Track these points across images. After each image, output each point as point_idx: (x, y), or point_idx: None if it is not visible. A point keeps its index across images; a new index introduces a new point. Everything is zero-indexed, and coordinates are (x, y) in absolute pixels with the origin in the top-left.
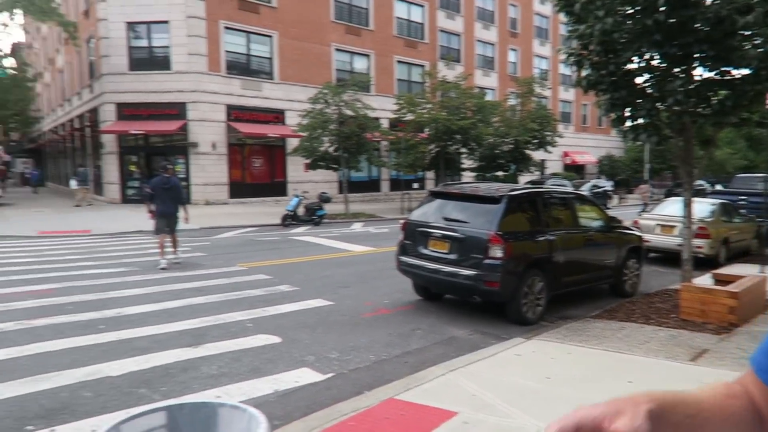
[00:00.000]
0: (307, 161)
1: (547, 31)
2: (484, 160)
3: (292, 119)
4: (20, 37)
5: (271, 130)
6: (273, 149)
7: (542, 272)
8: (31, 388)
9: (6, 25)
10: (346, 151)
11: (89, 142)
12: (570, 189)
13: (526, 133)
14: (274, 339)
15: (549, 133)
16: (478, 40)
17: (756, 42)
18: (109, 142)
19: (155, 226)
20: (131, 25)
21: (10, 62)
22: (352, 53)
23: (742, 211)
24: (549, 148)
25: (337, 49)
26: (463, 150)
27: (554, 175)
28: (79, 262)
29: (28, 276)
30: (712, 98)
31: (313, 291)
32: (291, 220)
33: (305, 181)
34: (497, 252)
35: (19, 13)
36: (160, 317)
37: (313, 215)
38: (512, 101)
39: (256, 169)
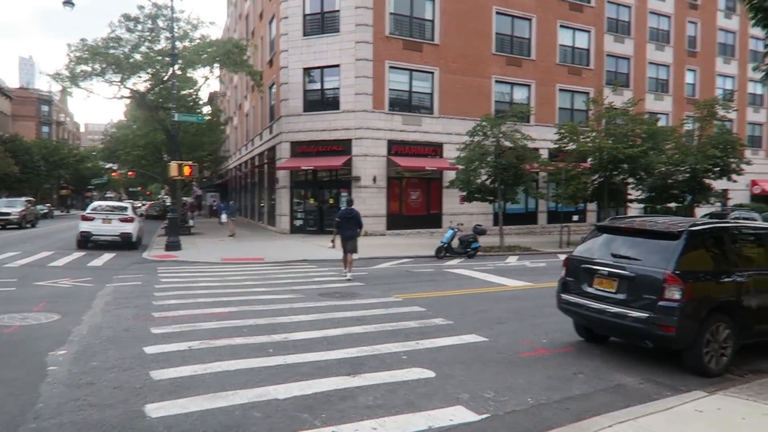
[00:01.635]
0: (463, 193)
1: (733, 48)
2: (655, 191)
3: (450, 152)
4: (215, 86)
5: (429, 163)
6: (430, 182)
7: (729, 318)
8: (211, 404)
9: (207, 78)
10: (503, 183)
11: (266, 178)
12: (761, 222)
13: (706, 160)
14: (429, 373)
15: (734, 160)
16: (651, 62)
17: None
18: (282, 177)
19: (343, 247)
20: (307, 71)
21: (206, 109)
22: (513, 84)
23: None
24: (734, 176)
25: (497, 81)
26: (630, 180)
27: (740, 206)
28: (254, 287)
29: (212, 299)
30: None
31: (467, 326)
32: (445, 252)
33: (460, 213)
34: (675, 293)
35: (217, 66)
36: (321, 344)
37: (467, 248)
38: (689, 126)
39: (412, 201)
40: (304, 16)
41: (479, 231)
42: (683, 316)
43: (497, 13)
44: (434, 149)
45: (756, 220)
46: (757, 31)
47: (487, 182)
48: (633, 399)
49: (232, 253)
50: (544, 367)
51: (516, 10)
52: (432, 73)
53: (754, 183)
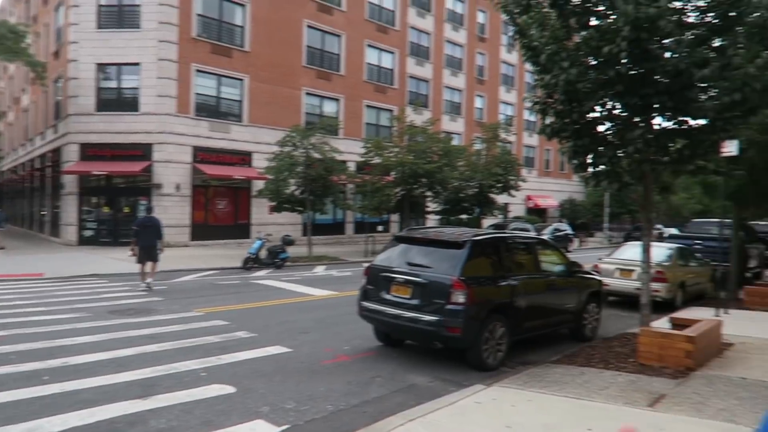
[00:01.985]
0: (272, 203)
1: (513, 79)
2: (449, 204)
3: (259, 161)
4: None
5: (237, 172)
6: (238, 191)
7: (504, 317)
8: None
9: None
10: (312, 194)
11: (49, 182)
12: (533, 233)
13: (491, 177)
14: (229, 389)
15: (513, 178)
16: (446, 86)
17: (712, 94)
18: (69, 182)
19: (138, 257)
20: (101, 67)
21: None
22: (322, 97)
23: (697, 255)
24: (513, 192)
25: (308, 93)
26: (429, 193)
27: (517, 218)
28: (28, 307)
29: None
30: (671, 147)
31: (271, 337)
32: (253, 263)
33: (269, 223)
34: (460, 297)
35: None
36: (109, 366)
37: (275, 258)
38: (478, 146)
39: (219, 210)
40: (99, 6)
41: (288, 241)
42: (467, 318)
43: (308, 26)
44: (243, 158)
45: (529, 231)
46: (529, 66)
47: (297, 193)
48: (424, 397)
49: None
50: (345, 374)
51: (326, 26)
52: (242, 80)
53: (528, 198)
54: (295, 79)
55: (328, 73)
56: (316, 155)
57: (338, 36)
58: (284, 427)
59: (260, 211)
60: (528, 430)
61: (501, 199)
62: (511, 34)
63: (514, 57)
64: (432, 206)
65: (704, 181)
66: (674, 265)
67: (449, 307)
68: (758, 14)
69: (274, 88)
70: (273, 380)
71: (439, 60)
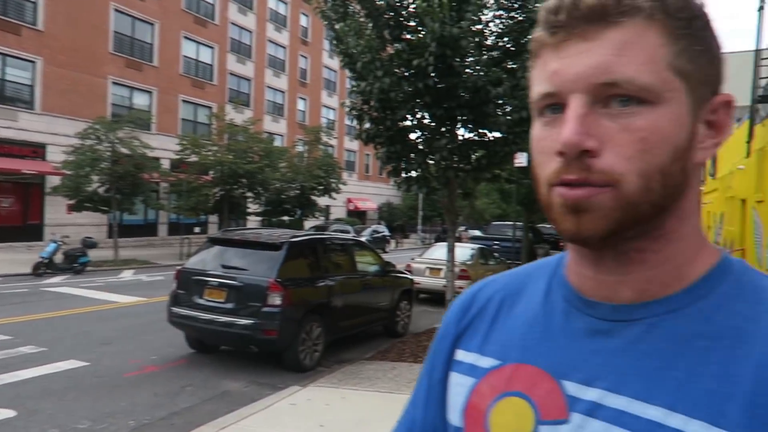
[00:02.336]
0: (71, 202)
1: (335, 84)
2: (270, 205)
3: (55, 155)
4: None
5: (27, 166)
6: (29, 187)
7: (321, 318)
8: None
9: None
10: (119, 192)
11: None
12: (351, 234)
13: (312, 179)
14: (8, 413)
15: (334, 180)
16: (269, 86)
17: (506, 110)
18: None
19: None
20: None
21: None
22: (132, 88)
23: (496, 254)
24: (334, 194)
25: (115, 83)
26: (249, 194)
27: (338, 220)
28: None
29: None
30: (472, 156)
31: (64, 351)
32: (46, 268)
33: (68, 224)
34: (276, 299)
35: None
36: None
37: (74, 263)
38: (300, 148)
39: (4, 209)
40: None
41: (89, 244)
42: (284, 320)
43: (116, 10)
44: (35, 150)
45: (349, 233)
46: (348, 72)
47: (101, 190)
48: (238, 403)
49: None
50: (152, 385)
51: (137, 12)
52: (34, 62)
53: (349, 200)
54: (100, 66)
55: (139, 63)
56: (124, 150)
57: (151, 24)
58: None
59: (56, 210)
60: (340, 427)
61: (322, 201)
62: (330, 39)
63: (335, 62)
64: (253, 207)
65: (501, 188)
66: (476, 264)
67: (266, 309)
68: None
69: (75, 75)
70: (64, 399)
71: (261, 59)
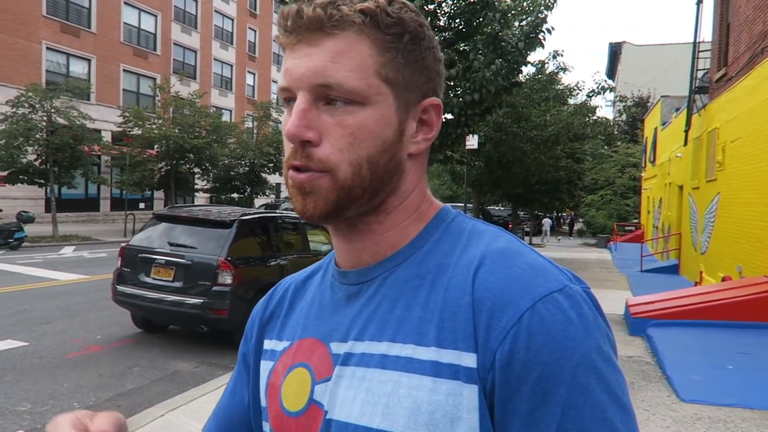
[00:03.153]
0: (4, 173)
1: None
2: (219, 182)
3: None
4: None
5: None
6: None
7: None
8: None
9: None
10: (57, 165)
11: None
12: None
13: (262, 156)
14: None
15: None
16: (216, 59)
17: (457, 92)
18: None
19: None
20: None
21: None
22: (69, 55)
23: None
24: None
25: (49, 48)
26: (197, 170)
27: (288, 198)
28: None
29: None
30: None
31: (1, 331)
32: None
33: (1, 197)
34: (226, 278)
35: None
36: None
37: (8, 238)
38: (249, 124)
39: None
40: None
41: (25, 218)
42: (234, 299)
43: None
44: None
45: None
46: None
47: (36, 162)
48: (188, 384)
49: None
50: (96, 366)
51: None
52: None
53: None
54: (33, 29)
55: (75, 28)
56: (61, 120)
57: None
58: None
59: None
60: None
61: (273, 179)
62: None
63: None
64: (200, 184)
65: (452, 169)
66: None
67: (216, 288)
68: (491, 26)
69: (4, 38)
70: (2, 380)
71: (207, 30)
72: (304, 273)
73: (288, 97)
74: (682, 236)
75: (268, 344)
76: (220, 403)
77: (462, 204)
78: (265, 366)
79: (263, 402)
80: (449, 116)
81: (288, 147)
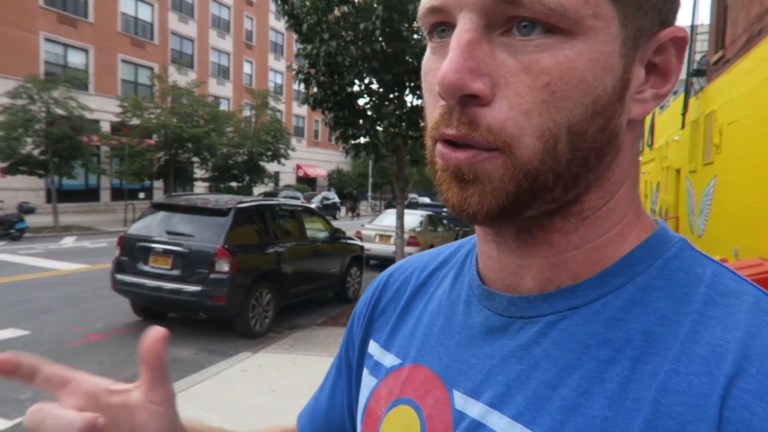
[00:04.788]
0: (4, 165)
1: (282, 47)
2: (218, 171)
3: None
4: None
5: None
6: None
7: (271, 284)
8: None
9: None
10: (57, 155)
11: None
12: (301, 201)
13: (260, 145)
14: None
15: (282, 146)
16: (213, 48)
17: None
18: None
19: None
20: None
21: None
22: (67, 46)
23: (444, 221)
24: (282, 160)
25: (48, 39)
26: (195, 159)
27: (287, 187)
28: None
29: None
30: (420, 123)
31: (4, 320)
32: None
33: (2, 188)
34: (224, 266)
35: None
36: None
37: (10, 228)
38: (247, 113)
39: None
40: None
41: (26, 209)
42: (232, 287)
43: None
44: None
45: (299, 199)
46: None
47: (36, 153)
48: (188, 370)
49: None
50: (97, 354)
51: None
52: None
53: (298, 167)
54: (31, 20)
55: (73, 19)
56: (60, 111)
57: None
58: (19, 420)
59: None
60: (292, 392)
61: (271, 167)
62: None
63: (282, 24)
64: (199, 173)
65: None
66: (425, 231)
67: (213, 276)
68: None
69: (3, 29)
70: None
71: (204, 19)
72: (428, 260)
73: (439, 23)
74: (680, 220)
75: (373, 348)
76: (318, 401)
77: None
78: (367, 380)
79: (359, 421)
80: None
81: (435, 106)
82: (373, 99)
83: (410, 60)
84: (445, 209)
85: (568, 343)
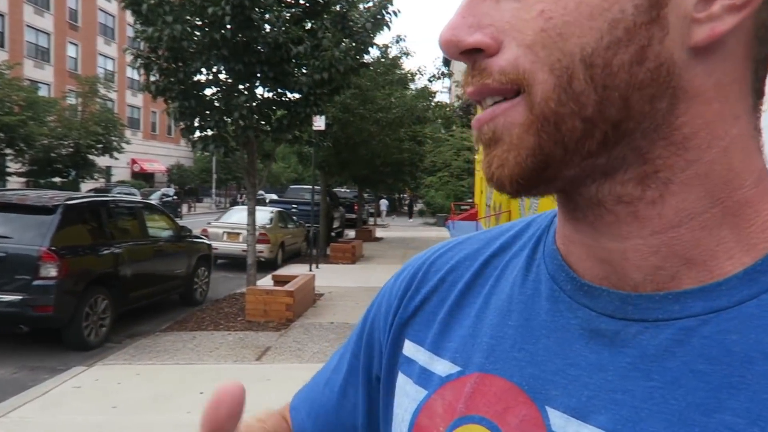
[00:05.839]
0: None
1: (113, 31)
2: (37, 164)
3: None
4: None
5: None
6: None
7: (107, 289)
8: None
9: None
10: None
11: None
12: (138, 198)
13: (89, 136)
14: None
15: (115, 138)
16: (29, 26)
17: (306, 71)
18: None
19: None
20: None
21: None
22: None
23: (294, 218)
24: (115, 154)
25: None
26: (9, 151)
27: (122, 182)
28: None
29: None
30: (272, 116)
31: None
32: None
33: None
34: (50, 271)
35: None
36: None
37: None
38: (72, 100)
39: None
40: None
41: None
42: (60, 293)
43: None
44: None
45: (135, 196)
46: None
47: None
48: (7, 393)
49: None
50: None
51: None
52: None
53: (134, 161)
54: None
55: None
56: None
57: None
58: None
59: None
60: (136, 406)
61: (102, 161)
62: None
63: (113, 6)
64: (14, 167)
65: (299, 150)
66: (275, 228)
67: (37, 283)
68: (339, 5)
69: None
70: None
71: None
72: (479, 246)
73: None
74: (512, 214)
75: (412, 350)
76: (324, 396)
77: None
78: (411, 390)
79: None
80: (297, 95)
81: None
82: (222, 89)
83: (262, 50)
84: (295, 205)
85: (720, 354)
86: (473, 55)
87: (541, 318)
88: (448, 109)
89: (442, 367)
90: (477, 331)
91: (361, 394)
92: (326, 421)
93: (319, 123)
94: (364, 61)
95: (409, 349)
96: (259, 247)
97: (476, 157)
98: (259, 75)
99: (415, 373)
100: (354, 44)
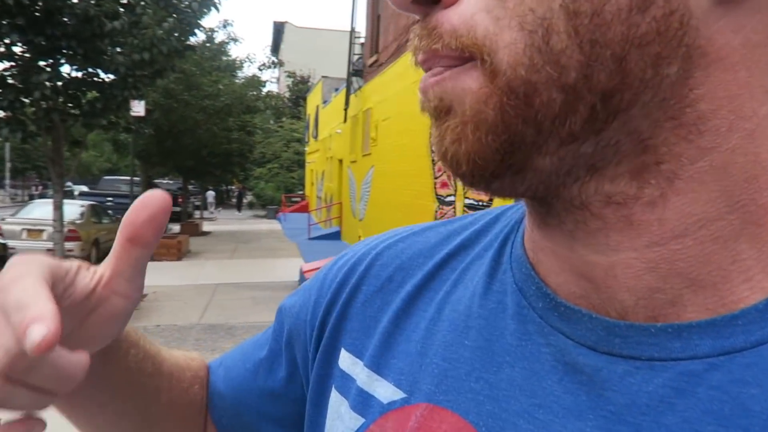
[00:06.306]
0: None
1: None
2: None
3: None
4: None
5: None
6: None
7: None
8: None
9: None
10: None
11: None
12: None
13: None
14: None
15: None
16: None
17: (123, 50)
18: None
19: None
20: None
21: None
22: None
23: (110, 212)
24: None
25: None
26: None
27: None
28: None
29: None
30: (82, 99)
31: None
32: None
33: None
34: None
35: None
36: None
37: None
38: None
39: None
40: None
41: None
42: None
43: None
44: None
45: None
46: None
47: None
48: None
49: None
50: None
51: None
52: None
53: None
54: None
55: None
56: None
57: None
58: None
59: None
60: None
61: None
62: None
63: None
64: None
65: (114, 138)
66: (87, 223)
67: None
68: None
69: None
70: None
71: None
72: (435, 241)
73: None
74: (343, 205)
75: (348, 362)
76: (244, 371)
77: (126, 177)
78: (345, 415)
79: None
80: (113, 76)
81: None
82: (19, 64)
83: (69, 22)
84: (110, 198)
85: (735, 413)
86: (427, 6)
87: (505, 341)
88: (281, 98)
89: (383, 391)
90: (426, 348)
91: (283, 383)
92: (243, 386)
93: (139, 108)
94: (190, 43)
95: (345, 361)
96: (68, 245)
97: (306, 149)
98: (64, 51)
99: (352, 395)
100: (179, 24)
